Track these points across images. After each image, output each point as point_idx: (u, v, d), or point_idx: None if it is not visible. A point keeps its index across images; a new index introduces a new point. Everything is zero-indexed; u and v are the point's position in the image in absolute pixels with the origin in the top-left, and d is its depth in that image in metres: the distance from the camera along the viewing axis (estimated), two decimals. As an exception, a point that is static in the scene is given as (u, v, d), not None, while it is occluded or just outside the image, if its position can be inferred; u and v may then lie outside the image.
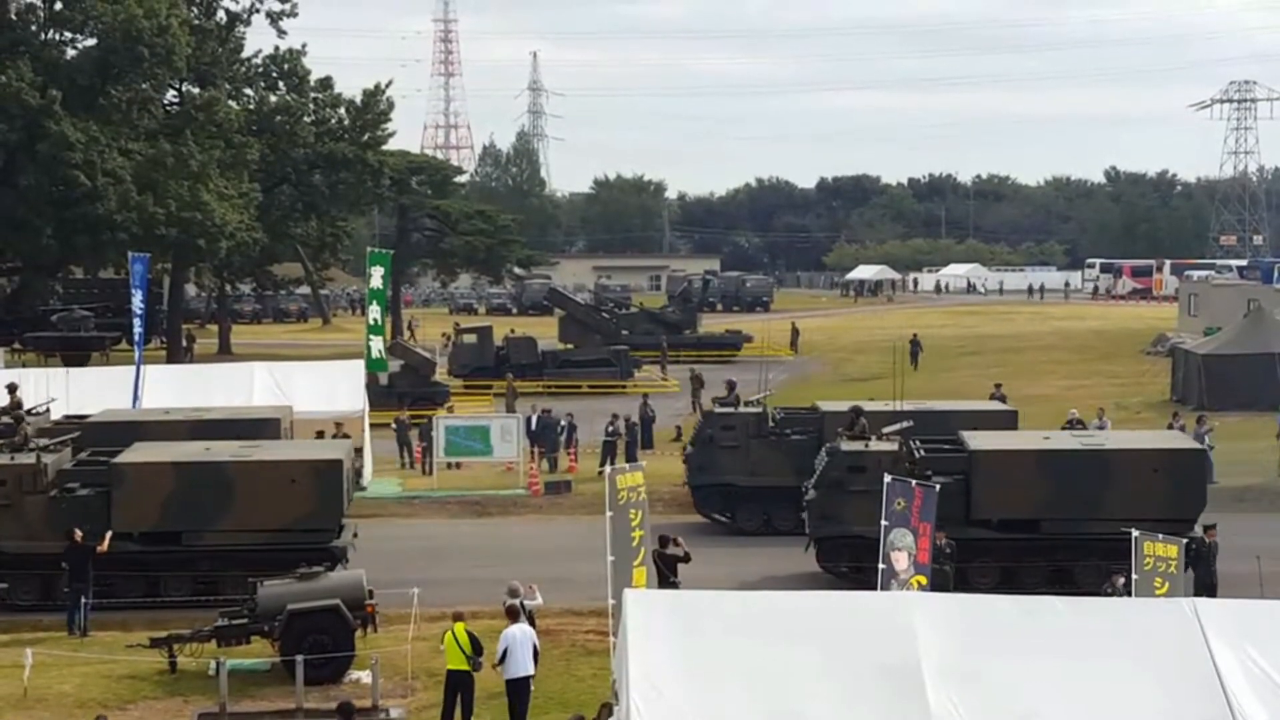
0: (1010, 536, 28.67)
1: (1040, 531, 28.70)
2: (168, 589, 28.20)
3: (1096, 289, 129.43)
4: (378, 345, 47.21)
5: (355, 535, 29.71)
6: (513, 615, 21.21)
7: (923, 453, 29.79)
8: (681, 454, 37.89)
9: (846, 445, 30.00)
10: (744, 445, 34.64)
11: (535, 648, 21.06)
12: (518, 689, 20.76)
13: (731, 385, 46.41)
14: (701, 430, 36.33)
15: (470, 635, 21.22)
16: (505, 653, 20.59)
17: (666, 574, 23.83)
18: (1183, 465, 28.68)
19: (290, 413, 36.26)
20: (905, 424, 30.40)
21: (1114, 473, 28.33)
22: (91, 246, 64.15)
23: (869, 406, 33.81)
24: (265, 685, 22.99)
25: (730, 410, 37.03)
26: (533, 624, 22.37)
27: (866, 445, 29.70)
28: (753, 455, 34.40)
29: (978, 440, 29.74)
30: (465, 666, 20.98)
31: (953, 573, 25.45)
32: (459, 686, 21.03)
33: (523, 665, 20.69)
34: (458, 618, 21.64)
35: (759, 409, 36.16)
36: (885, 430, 30.32)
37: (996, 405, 38.51)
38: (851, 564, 28.88)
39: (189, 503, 28.14)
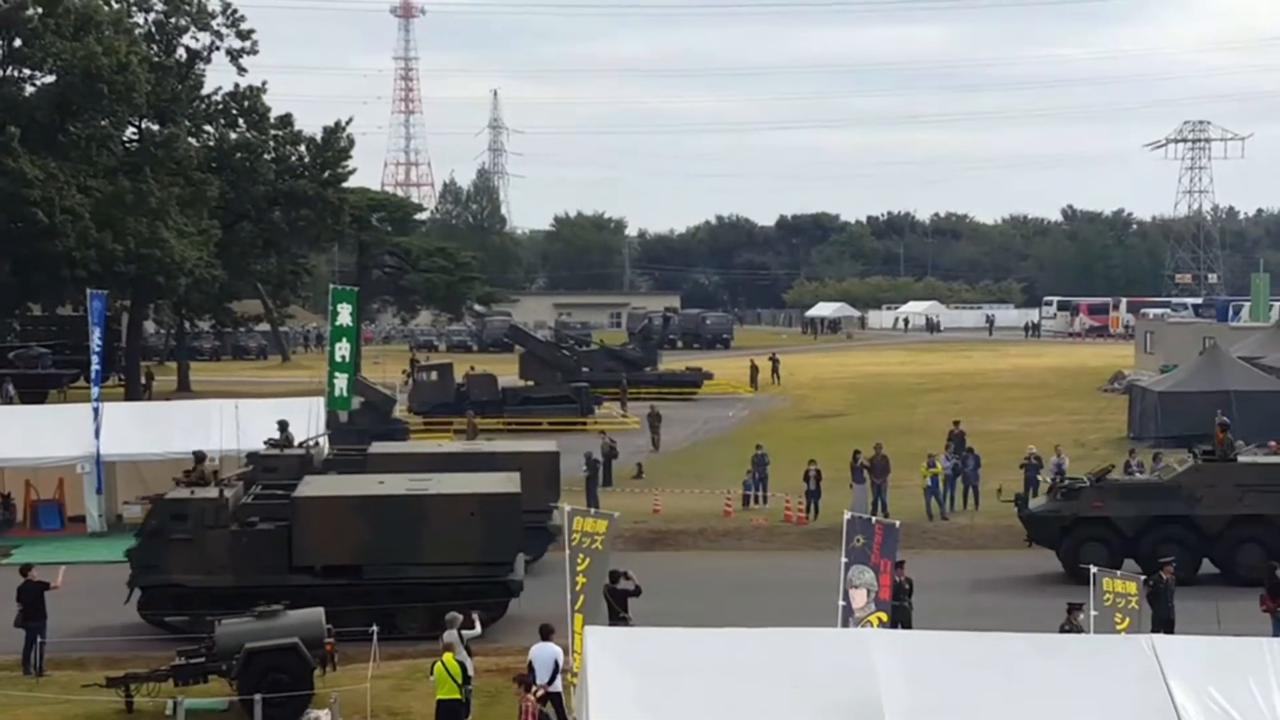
0: (333, 583, 28.28)
1: (362, 576, 28.61)
2: None
3: (1029, 327, 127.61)
4: (341, 383, 46.94)
5: None
6: (543, 633, 21.58)
7: (249, 500, 29.99)
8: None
9: (172, 493, 29.75)
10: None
11: (557, 663, 21.24)
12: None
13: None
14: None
15: (461, 664, 21.38)
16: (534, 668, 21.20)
17: (617, 609, 23.59)
18: (496, 509, 28.90)
19: None
20: (245, 468, 30.54)
21: (431, 518, 28.39)
22: (50, 283, 63.76)
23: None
24: (223, 725, 22.82)
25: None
26: (470, 654, 22.73)
27: (193, 493, 29.54)
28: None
29: (303, 487, 29.87)
30: (457, 695, 21.15)
31: (911, 609, 25.52)
32: (451, 716, 21.11)
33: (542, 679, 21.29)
34: (447, 648, 21.79)
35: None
36: (225, 477, 30.44)
37: (540, 445, 37.86)
38: (174, 612, 28.67)
39: None
